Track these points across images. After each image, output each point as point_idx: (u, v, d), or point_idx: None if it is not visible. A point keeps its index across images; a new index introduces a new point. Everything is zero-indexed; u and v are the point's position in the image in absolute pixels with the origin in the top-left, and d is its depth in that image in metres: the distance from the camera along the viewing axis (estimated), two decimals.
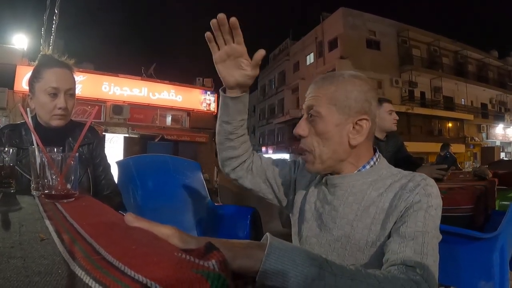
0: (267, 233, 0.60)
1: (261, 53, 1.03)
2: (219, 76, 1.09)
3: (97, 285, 0.32)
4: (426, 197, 0.85)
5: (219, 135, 1.17)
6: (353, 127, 0.95)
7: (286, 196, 1.20)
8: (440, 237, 0.85)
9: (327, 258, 0.62)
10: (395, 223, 0.86)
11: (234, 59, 1.06)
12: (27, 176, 1.34)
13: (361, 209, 0.92)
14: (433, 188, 0.88)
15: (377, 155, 1.01)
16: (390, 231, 0.86)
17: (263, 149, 33.38)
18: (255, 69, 1.06)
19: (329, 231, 0.96)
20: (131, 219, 0.56)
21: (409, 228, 0.81)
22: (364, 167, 0.98)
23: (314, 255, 0.61)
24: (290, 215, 1.16)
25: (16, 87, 11.68)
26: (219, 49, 1.05)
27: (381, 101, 2.76)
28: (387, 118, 2.66)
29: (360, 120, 0.95)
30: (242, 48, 1.04)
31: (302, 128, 0.99)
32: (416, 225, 0.81)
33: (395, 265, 0.75)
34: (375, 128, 1.01)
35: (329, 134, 0.95)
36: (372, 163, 0.99)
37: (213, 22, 0.99)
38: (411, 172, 0.96)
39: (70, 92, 1.49)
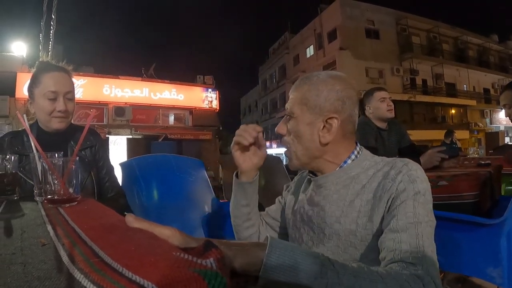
0: (267, 235, 0.61)
1: (259, 131, 1.09)
2: (236, 163, 1.14)
3: (94, 287, 0.32)
4: (411, 183, 0.84)
5: (238, 219, 1.19)
6: (324, 126, 0.97)
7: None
8: (435, 221, 0.83)
9: (329, 257, 0.62)
10: (383, 216, 0.85)
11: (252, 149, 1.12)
12: (31, 182, 1.34)
13: (346, 204, 0.92)
14: (417, 172, 0.87)
15: (358, 149, 1.02)
16: (381, 225, 0.85)
17: (267, 144, 33.23)
18: (265, 149, 1.13)
19: (321, 231, 0.97)
20: (131, 220, 0.56)
21: (400, 221, 0.80)
22: (345, 162, 0.99)
23: (315, 254, 0.61)
24: (286, 223, 1.17)
25: (17, 95, 11.68)
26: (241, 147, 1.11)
27: (372, 90, 2.76)
28: (380, 106, 2.66)
29: (330, 118, 0.97)
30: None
31: (281, 128, 1.05)
32: (406, 216, 0.80)
33: (394, 262, 0.74)
34: (352, 126, 1.01)
35: (300, 132, 1.00)
36: (353, 157, 1.00)
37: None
38: (393, 158, 0.95)
39: (69, 95, 1.50)
